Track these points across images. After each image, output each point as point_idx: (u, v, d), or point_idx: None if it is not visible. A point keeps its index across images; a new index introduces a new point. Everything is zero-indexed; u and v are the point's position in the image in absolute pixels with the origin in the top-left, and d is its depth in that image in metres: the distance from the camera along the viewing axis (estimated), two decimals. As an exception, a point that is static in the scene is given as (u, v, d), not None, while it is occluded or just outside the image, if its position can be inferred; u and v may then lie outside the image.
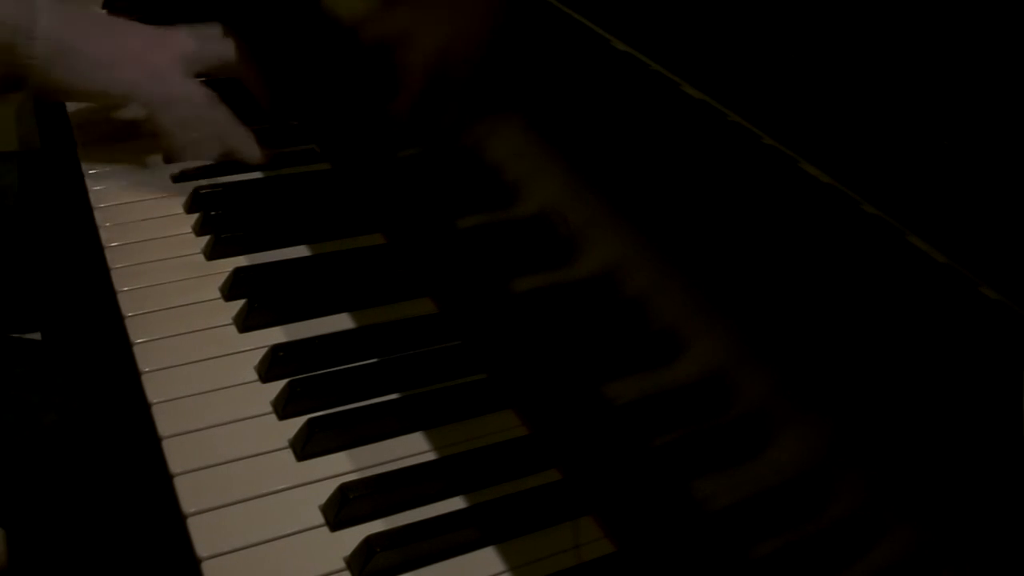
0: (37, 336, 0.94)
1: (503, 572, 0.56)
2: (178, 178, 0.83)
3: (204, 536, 0.55)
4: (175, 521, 0.56)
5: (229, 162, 0.85)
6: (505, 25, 0.62)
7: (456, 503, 0.59)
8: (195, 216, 0.79)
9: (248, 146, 0.85)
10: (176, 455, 0.59)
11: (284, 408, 0.63)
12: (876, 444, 0.40)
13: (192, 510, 0.56)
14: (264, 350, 0.66)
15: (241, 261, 0.75)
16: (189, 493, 0.57)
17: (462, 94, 0.68)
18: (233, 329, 0.69)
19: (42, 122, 1.03)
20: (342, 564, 0.55)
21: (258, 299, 0.70)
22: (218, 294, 0.72)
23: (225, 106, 0.84)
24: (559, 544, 0.57)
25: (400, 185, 0.80)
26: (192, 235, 0.78)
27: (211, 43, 0.87)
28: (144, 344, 0.67)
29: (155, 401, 0.63)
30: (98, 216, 0.79)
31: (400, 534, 0.56)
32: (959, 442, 0.37)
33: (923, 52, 0.40)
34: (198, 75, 0.85)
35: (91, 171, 0.83)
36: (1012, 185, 0.36)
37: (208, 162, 0.85)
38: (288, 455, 0.60)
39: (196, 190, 0.81)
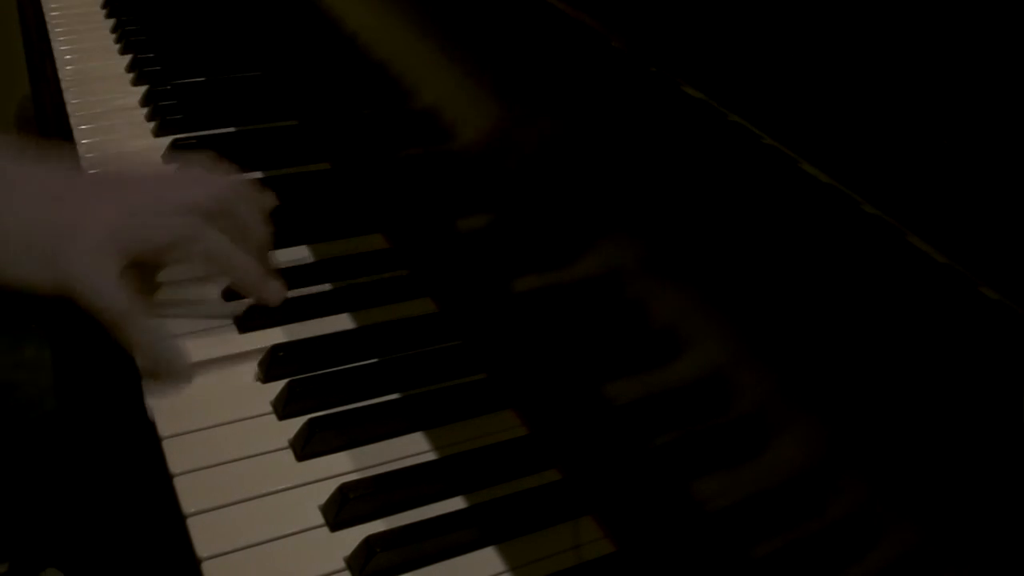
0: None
1: (503, 572, 0.56)
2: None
3: (204, 536, 0.55)
4: (175, 521, 0.56)
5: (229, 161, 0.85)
6: (505, 25, 0.62)
7: (456, 503, 0.59)
8: (195, 216, 0.79)
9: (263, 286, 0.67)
10: (176, 455, 0.59)
11: (284, 408, 0.63)
12: (876, 444, 0.40)
13: (192, 510, 0.56)
14: (264, 350, 0.66)
15: (241, 261, 0.75)
16: (189, 493, 0.57)
17: (463, 95, 0.68)
18: (233, 329, 0.69)
19: (42, 122, 1.03)
20: (342, 564, 0.55)
21: (258, 299, 0.70)
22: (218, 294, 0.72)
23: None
24: (559, 544, 0.57)
25: (400, 185, 0.80)
26: (192, 235, 0.77)
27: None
28: (144, 344, 0.67)
29: (155, 401, 0.63)
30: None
31: (400, 534, 0.56)
32: (960, 442, 0.37)
33: (923, 52, 0.40)
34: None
35: (91, 171, 0.83)
36: (1012, 185, 0.36)
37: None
38: (288, 455, 0.60)
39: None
